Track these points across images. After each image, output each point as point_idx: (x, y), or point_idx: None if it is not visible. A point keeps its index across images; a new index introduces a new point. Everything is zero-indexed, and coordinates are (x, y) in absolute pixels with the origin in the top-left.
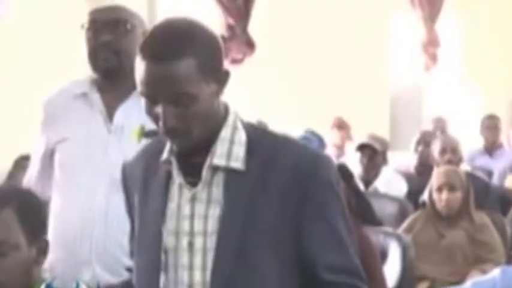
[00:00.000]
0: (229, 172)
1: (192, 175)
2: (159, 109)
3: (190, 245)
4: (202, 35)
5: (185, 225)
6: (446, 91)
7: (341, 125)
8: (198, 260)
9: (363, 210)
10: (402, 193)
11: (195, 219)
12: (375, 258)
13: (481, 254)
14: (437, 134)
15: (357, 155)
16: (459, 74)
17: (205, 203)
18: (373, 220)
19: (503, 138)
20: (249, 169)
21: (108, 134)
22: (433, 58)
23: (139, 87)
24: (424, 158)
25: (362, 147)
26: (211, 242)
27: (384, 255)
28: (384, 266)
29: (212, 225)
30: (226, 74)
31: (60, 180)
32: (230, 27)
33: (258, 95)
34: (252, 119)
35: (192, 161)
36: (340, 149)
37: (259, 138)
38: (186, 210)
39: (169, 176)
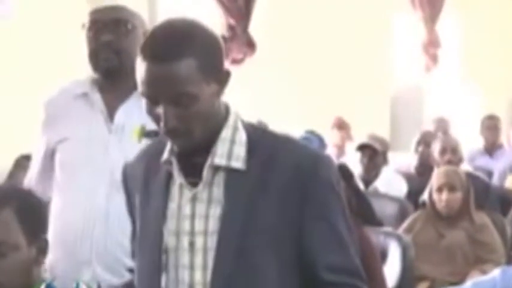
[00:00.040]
0: (230, 172)
1: (193, 175)
2: (160, 109)
3: (191, 244)
4: (203, 35)
5: (186, 225)
6: (447, 91)
7: (341, 125)
8: (198, 260)
9: (363, 210)
10: (402, 193)
11: (195, 219)
12: (375, 258)
13: (481, 254)
14: (439, 134)
15: (357, 155)
16: (459, 75)
17: (206, 203)
18: (373, 220)
19: (503, 138)
20: (250, 169)
21: (109, 134)
22: (434, 59)
23: (140, 87)
24: (424, 158)
25: (362, 147)
26: (212, 241)
27: (384, 255)
28: (384, 266)
29: (213, 225)
30: (226, 74)
31: (60, 180)
32: (231, 28)
33: (259, 95)
34: (253, 119)
35: (193, 161)
36: (341, 149)
37: (260, 138)
38: (187, 210)
39: (170, 176)
